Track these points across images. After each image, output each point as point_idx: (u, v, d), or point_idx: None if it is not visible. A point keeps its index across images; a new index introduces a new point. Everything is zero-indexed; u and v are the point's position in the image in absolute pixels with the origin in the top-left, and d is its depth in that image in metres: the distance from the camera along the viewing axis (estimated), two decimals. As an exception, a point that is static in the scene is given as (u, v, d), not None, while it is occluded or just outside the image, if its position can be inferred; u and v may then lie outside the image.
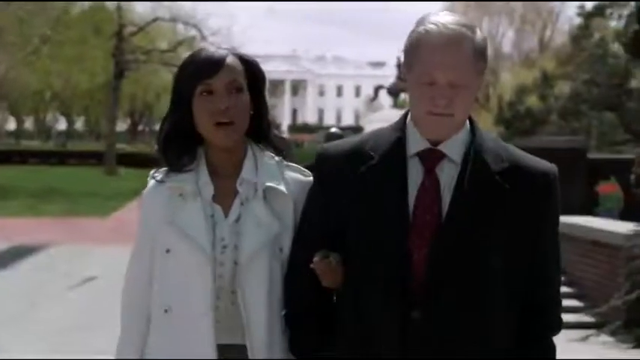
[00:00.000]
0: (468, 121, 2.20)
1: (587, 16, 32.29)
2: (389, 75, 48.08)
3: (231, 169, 2.36)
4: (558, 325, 2.25)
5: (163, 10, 37.32)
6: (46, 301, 9.97)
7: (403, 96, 50.47)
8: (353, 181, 2.18)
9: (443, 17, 2.13)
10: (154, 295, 2.37)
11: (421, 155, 2.15)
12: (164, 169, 2.41)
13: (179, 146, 2.37)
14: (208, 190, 2.35)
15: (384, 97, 47.11)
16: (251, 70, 2.37)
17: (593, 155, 16.55)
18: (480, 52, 2.11)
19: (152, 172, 2.45)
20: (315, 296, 2.25)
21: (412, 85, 2.13)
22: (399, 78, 48.68)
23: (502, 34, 59.36)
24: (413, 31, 2.14)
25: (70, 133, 64.64)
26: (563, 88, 31.55)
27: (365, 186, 2.16)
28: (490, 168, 2.14)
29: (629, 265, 8.49)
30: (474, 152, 2.15)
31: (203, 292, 2.29)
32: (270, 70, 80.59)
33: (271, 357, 2.31)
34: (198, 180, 2.35)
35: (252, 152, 2.39)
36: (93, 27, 35.83)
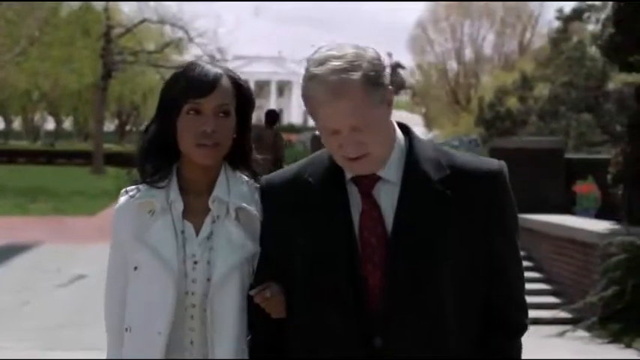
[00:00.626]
0: (402, 136, 2.14)
1: (566, 20, 32.48)
2: (372, 76, 47.97)
3: (204, 187, 2.31)
4: (519, 329, 2.18)
5: (151, 11, 37.28)
6: (36, 299, 9.95)
7: (386, 97, 50.58)
8: (296, 211, 2.13)
9: (322, 64, 2.03)
10: (124, 312, 2.32)
11: (356, 181, 2.11)
12: (135, 186, 2.35)
13: (157, 160, 2.32)
14: (178, 206, 2.29)
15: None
16: (242, 94, 2.31)
17: (571, 155, 16.63)
18: (371, 81, 2.04)
19: (124, 189, 2.39)
20: (270, 324, 2.19)
21: (320, 132, 2.09)
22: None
23: (483, 37, 59.56)
24: (302, 81, 2.08)
25: (58, 133, 64.39)
26: (542, 90, 31.68)
27: (307, 215, 2.11)
28: (430, 178, 2.08)
29: (605, 262, 8.56)
30: (412, 166, 2.09)
31: (163, 310, 2.22)
32: (256, 71, 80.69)
33: None
34: (169, 196, 2.29)
35: (224, 173, 2.33)
36: (81, 28, 35.71)
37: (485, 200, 2.09)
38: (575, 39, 30.36)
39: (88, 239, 15.26)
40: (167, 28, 39.03)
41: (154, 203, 2.29)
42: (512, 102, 33.35)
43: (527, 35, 57.05)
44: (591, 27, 29.85)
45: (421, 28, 61.48)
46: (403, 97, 57.92)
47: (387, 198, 2.08)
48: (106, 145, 41.41)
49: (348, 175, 2.11)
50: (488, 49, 59.37)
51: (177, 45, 39.04)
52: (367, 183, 2.09)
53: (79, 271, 11.88)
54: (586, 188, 14.70)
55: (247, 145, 2.36)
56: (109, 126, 58.90)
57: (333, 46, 2.08)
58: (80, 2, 36.89)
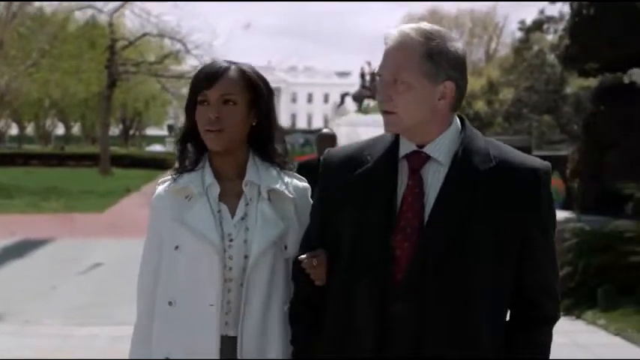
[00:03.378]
0: (459, 122, 2.09)
1: (528, 31, 32.55)
2: (354, 83, 48.23)
3: (233, 172, 2.31)
4: (552, 318, 2.10)
5: (151, 26, 37.15)
6: (62, 284, 10.18)
7: (367, 102, 50.61)
8: (350, 183, 2.09)
9: (406, 25, 2.05)
10: (158, 289, 2.31)
11: (408, 157, 2.07)
12: (169, 177, 2.36)
13: (189, 150, 2.34)
14: (214, 189, 2.29)
15: (350, 103, 47.23)
16: (253, 84, 2.29)
17: (535, 153, 16.77)
18: (428, 55, 1.99)
19: (159, 180, 2.41)
20: (315, 293, 2.16)
21: None
22: (363, 86, 48.87)
23: (453, 47, 59.50)
24: None
25: (67, 138, 64.12)
26: (507, 94, 31.81)
27: (359, 187, 2.08)
28: (477, 167, 2.02)
29: (560, 246, 8.72)
30: (462, 153, 2.03)
31: (211, 284, 2.22)
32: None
33: (262, 349, 2.24)
34: (204, 182, 2.30)
35: (252, 159, 2.33)
36: (87, 42, 35.56)
37: (525, 194, 2.02)
38: (536, 48, 30.49)
39: (97, 234, 15.32)
40: (166, 41, 38.93)
41: (190, 188, 2.29)
42: (480, 105, 33.48)
43: (493, 45, 57.21)
44: (550, 37, 29.99)
45: (397, 39, 61.33)
46: (381, 101, 57.75)
47: (434, 177, 2.04)
48: (112, 148, 41.27)
49: (402, 153, 2.07)
50: (458, 58, 59.38)
51: (176, 56, 38.93)
52: (417, 160, 2.06)
53: (95, 260, 11.98)
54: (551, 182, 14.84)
55: (265, 133, 2.33)
56: (114, 130, 58.64)
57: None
58: (87, 18, 36.76)
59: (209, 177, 2.30)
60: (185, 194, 2.30)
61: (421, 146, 2.06)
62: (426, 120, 2.04)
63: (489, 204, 1.99)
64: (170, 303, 2.27)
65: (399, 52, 2.01)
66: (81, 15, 36.98)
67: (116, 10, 36.50)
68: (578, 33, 11.92)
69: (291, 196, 2.31)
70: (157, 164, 40.87)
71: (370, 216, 2.03)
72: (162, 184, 2.37)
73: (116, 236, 14.76)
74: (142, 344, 2.35)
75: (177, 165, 2.35)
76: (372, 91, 49.50)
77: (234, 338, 2.24)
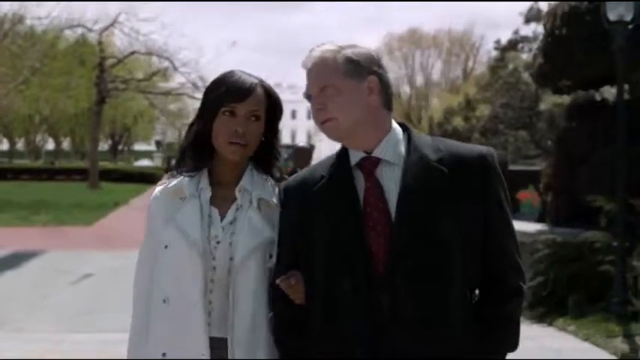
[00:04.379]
0: (400, 127, 2.16)
1: (503, 50, 32.89)
2: (336, 100, 48.08)
3: (232, 180, 2.33)
4: (518, 291, 2.14)
5: (140, 44, 37.16)
6: (54, 293, 10.23)
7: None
8: (310, 200, 2.14)
9: (317, 48, 2.13)
10: (154, 287, 2.32)
11: (360, 165, 2.12)
12: (167, 179, 2.39)
13: (194, 156, 2.34)
14: (206, 193, 2.31)
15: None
16: (273, 103, 2.33)
17: (511, 167, 16.91)
18: (345, 59, 2.08)
19: (159, 182, 2.43)
20: (295, 313, 2.18)
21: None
22: (345, 103, 49.04)
23: (432, 65, 60.01)
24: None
25: (57, 153, 63.79)
26: (484, 110, 32.04)
27: (321, 200, 2.13)
28: (428, 159, 2.09)
29: (532, 257, 8.85)
30: (412, 149, 2.10)
31: (194, 283, 2.23)
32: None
33: (251, 352, 2.24)
34: (199, 185, 2.32)
35: (250, 169, 2.35)
36: (77, 59, 35.51)
37: (479, 177, 2.10)
38: (511, 66, 30.74)
39: (87, 246, 15.25)
40: (154, 59, 38.92)
41: (184, 190, 2.31)
42: (457, 121, 33.68)
43: (470, 63, 57.59)
44: (525, 56, 30.30)
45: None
46: (363, 117, 57.98)
47: (390, 177, 2.09)
48: (101, 163, 41.13)
49: (353, 162, 2.13)
50: (436, 76, 59.88)
51: (164, 74, 38.93)
52: (369, 164, 2.11)
53: (85, 271, 12.02)
54: (522, 196, 14.96)
55: (272, 149, 2.38)
56: (103, 146, 58.45)
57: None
58: (76, 36, 36.72)
59: (203, 181, 2.32)
60: (180, 196, 2.32)
61: (369, 153, 2.12)
62: (363, 119, 2.10)
63: (447, 191, 2.06)
64: (164, 301, 2.29)
65: (319, 66, 2.10)
66: (71, 34, 36.97)
67: (105, 28, 36.48)
68: (551, 52, 12.08)
69: (278, 208, 2.31)
70: (145, 179, 40.77)
71: (341, 220, 2.08)
72: (161, 185, 2.39)
73: (105, 248, 14.75)
74: (140, 343, 2.35)
75: (178, 170, 2.37)
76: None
77: (219, 339, 2.25)
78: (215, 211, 2.30)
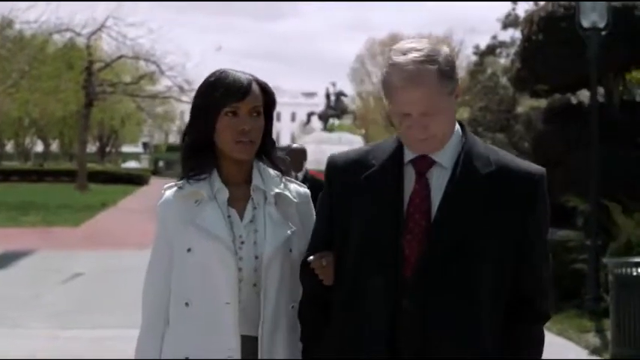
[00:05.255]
0: (460, 128, 2.10)
1: (481, 55, 33.03)
2: (319, 103, 48.43)
3: (241, 178, 2.28)
4: (545, 315, 2.11)
5: (127, 48, 36.99)
6: (46, 292, 10.25)
7: (331, 120, 50.77)
8: (354, 187, 2.08)
9: (404, 54, 2.00)
10: (172, 292, 2.25)
11: (414, 162, 2.07)
12: (173, 183, 2.32)
13: (197, 159, 2.27)
14: (223, 194, 2.25)
15: (316, 122, 47.40)
16: (268, 97, 2.29)
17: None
18: (445, 74, 2.00)
19: (165, 186, 2.35)
20: (322, 292, 2.13)
21: (392, 114, 2.06)
22: (329, 106, 49.05)
23: (413, 69, 60.02)
24: (384, 69, 2.04)
25: (46, 155, 63.40)
26: (463, 113, 32.11)
27: (365, 190, 2.07)
28: (478, 171, 2.03)
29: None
30: (464, 157, 2.05)
31: (227, 284, 2.18)
32: (219, 99, 79.97)
33: (274, 348, 2.20)
34: (213, 187, 2.26)
35: (257, 165, 2.31)
36: (66, 63, 35.30)
37: (523, 197, 2.03)
38: (489, 71, 30.87)
39: (75, 246, 15.23)
40: (141, 63, 38.76)
41: (200, 193, 2.24)
42: (438, 124, 33.75)
43: (451, 67, 57.75)
44: (503, 61, 30.47)
45: (360, 62, 61.99)
46: (346, 120, 58.23)
47: (438, 181, 2.04)
48: (89, 165, 40.90)
49: (407, 158, 2.07)
50: (417, 79, 59.92)
51: (151, 77, 38.81)
52: (423, 165, 2.06)
53: (75, 270, 11.99)
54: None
55: (270, 140, 2.34)
56: (91, 148, 58.10)
57: (414, 39, 2.06)
58: (65, 40, 36.55)
59: (217, 182, 2.26)
60: (194, 199, 2.25)
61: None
62: (452, 127, 2.07)
63: (490, 206, 2.00)
64: (187, 304, 2.22)
65: (420, 88, 1.98)
66: (59, 38, 36.74)
67: (93, 33, 36.32)
68: (528, 57, 12.18)
69: (295, 200, 2.30)
70: (132, 180, 40.65)
71: (379, 217, 2.03)
72: (169, 189, 2.31)
73: (93, 248, 14.75)
74: (153, 349, 2.26)
75: (185, 175, 2.29)
76: (336, 110, 49.76)
77: (249, 337, 2.20)
78: (234, 212, 2.25)
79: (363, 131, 61.17)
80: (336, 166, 2.16)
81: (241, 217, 2.25)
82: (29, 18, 33.35)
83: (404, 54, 2.00)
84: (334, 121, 52.34)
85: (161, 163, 55.62)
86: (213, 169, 2.27)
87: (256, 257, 2.21)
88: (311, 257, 2.11)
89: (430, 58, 1.99)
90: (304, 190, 2.35)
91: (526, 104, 24.78)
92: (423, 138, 2.01)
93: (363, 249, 2.04)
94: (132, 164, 57.83)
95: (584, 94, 13.72)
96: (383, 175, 2.07)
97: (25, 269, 12.39)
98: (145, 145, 67.47)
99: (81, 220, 20.69)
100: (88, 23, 35.86)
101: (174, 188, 2.30)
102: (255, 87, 2.26)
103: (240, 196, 2.27)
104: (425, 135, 2.01)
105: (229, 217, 2.24)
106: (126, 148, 69.46)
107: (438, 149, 2.05)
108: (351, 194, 2.09)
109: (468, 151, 2.06)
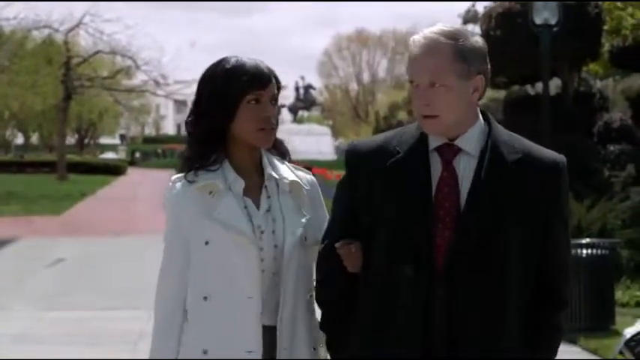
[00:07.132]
0: (482, 117, 2.00)
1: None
2: (289, 96, 48.34)
3: (251, 166, 2.16)
4: (566, 303, 2.04)
5: (104, 44, 36.61)
6: (30, 277, 10.27)
7: (301, 112, 50.75)
8: (380, 174, 1.98)
9: (429, 28, 1.94)
10: (190, 286, 2.12)
11: (439, 150, 1.97)
12: (182, 174, 2.16)
13: (211, 146, 2.14)
14: (239, 185, 2.13)
15: (286, 114, 47.29)
16: (278, 84, 2.19)
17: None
18: (461, 54, 1.91)
19: (173, 177, 2.19)
20: (340, 279, 2.05)
21: (410, 92, 1.99)
22: (298, 99, 49.04)
23: (378, 63, 60.39)
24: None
25: (26, 147, 62.56)
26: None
27: (392, 178, 1.96)
28: (505, 158, 1.95)
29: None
30: (491, 145, 1.96)
31: (248, 276, 2.07)
32: (194, 92, 79.58)
33: (294, 337, 2.11)
34: (226, 177, 2.13)
35: (266, 154, 2.20)
36: (44, 58, 34.83)
37: (549, 185, 1.97)
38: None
39: (55, 234, 15.11)
40: (118, 58, 38.38)
41: (214, 184, 2.11)
42: (402, 115, 33.93)
43: (414, 61, 57.97)
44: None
45: (327, 56, 61.94)
46: (314, 112, 58.23)
47: (465, 169, 1.96)
48: (68, 156, 40.46)
49: (432, 145, 1.98)
50: (382, 73, 60.26)
51: (127, 72, 38.46)
52: (449, 153, 1.97)
53: (57, 256, 11.94)
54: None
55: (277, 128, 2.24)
56: (70, 139, 57.45)
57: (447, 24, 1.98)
58: (43, 36, 36.06)
59: (231, 173, 2.13)
60: (209, 190, 2.11)
61: (451, 139, 1.97)
62: (463, 117, 1.96)
63: (518, 193, 1.94)
64: (205, 298, 2.09)
65: (431, 58, 1.91)
66: (38, 34, 36.20)
67: (71, 29, 35.86)
68: (487, 51, 12.26)
69: (306, 187, 2.20)
70: (110, 170, 40.27)
71: (410, 205, 1.94)
72: (178, 182, 2.16)
73: (73, 235, 14.69)
74: (168, 349, 2.13)
75: (199, 164, 2.14)
76: (305, 103, 49.76)
77: (268, 327, 2.10)
78: (249, 201, 2.13)
79: (331, 122, 61.28)
80: (359, 153, 2.04)
81: (257, 206, 2.14)
82: (8, 15, 32.71)
83: (423, 32, 1.95)
84: (303, 113, 52.33)
85: (138, 154, 55.21)
86: (225, 158, 2.15)
87: (275, 246, 2.11)
88: (338, 243, 2.01)
89: (450, 35, 1.92)
90: (311, 177, 2.26)
91: (486, 95, 25.00)
92: (426, 114, 1.93)
93: (395, 238, 1.95)
94: (110, 155, 57.25)
95: (540, 86, 13.87)
96: (409, 163, 1.97)
97: (8, 256, 12.33)
98: (122, 137, 66.89)
99: (61, 209, 20.49)
100: (65, 20, 35.46)
101: (184, 181, 2.15)
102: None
103: (252, 185, 2.15)
104: (428, 111, 1.92)
105: (246, 207, 2.12)
106: (104, 140, 68.78)
107: (445, 135, 1.96)
108: (378, 181, 1.98)
109: (493, 139, 1.97)
